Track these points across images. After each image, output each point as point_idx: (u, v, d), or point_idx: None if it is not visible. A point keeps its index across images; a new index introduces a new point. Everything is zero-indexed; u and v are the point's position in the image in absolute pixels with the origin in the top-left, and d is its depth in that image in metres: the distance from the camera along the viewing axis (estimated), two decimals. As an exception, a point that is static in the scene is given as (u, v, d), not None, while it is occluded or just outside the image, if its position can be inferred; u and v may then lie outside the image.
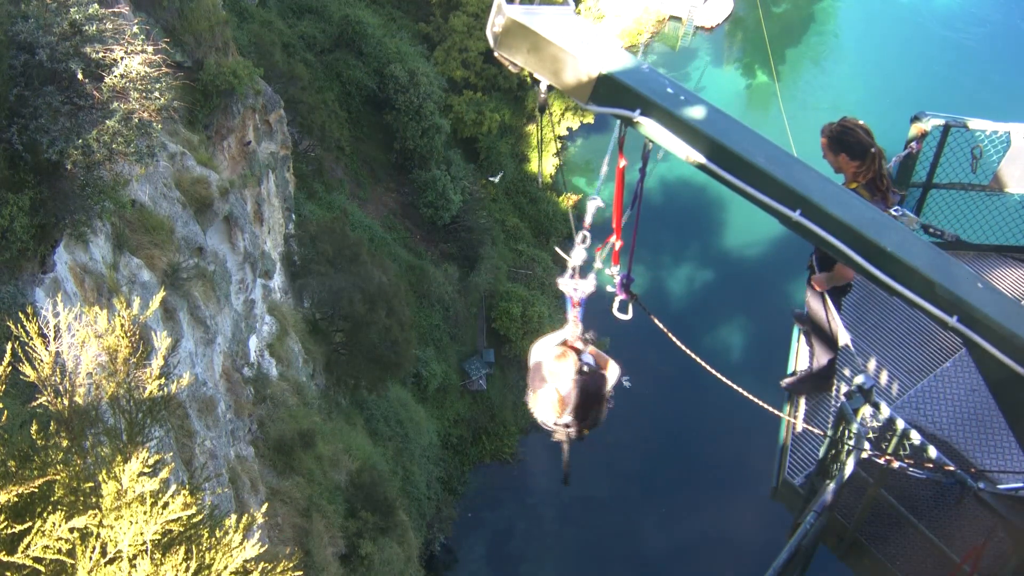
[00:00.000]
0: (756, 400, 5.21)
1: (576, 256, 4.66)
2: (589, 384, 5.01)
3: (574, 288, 4.88)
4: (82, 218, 5.14)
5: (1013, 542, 5.39)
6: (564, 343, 5.07)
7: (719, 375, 5.11)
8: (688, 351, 5.15)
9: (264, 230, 13.83)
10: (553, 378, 4.90)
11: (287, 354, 13.65)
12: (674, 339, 5.11)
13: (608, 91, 3.62)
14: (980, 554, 5.42)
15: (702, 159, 3.57)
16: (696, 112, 3.59)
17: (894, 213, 5.88)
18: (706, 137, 3.54)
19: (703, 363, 5.12)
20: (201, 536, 2.76)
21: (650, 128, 3.59)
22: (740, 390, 5.07)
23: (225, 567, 2.74)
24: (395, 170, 25.27)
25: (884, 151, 5.96)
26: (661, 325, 4.99)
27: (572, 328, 5.05)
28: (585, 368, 5.00)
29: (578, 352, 5.01)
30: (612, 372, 5.16)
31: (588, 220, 4.46)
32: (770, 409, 5.44)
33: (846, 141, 5.80)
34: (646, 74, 3.65)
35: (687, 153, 3.57)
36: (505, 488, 22.15)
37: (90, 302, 5.98)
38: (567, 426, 5.08)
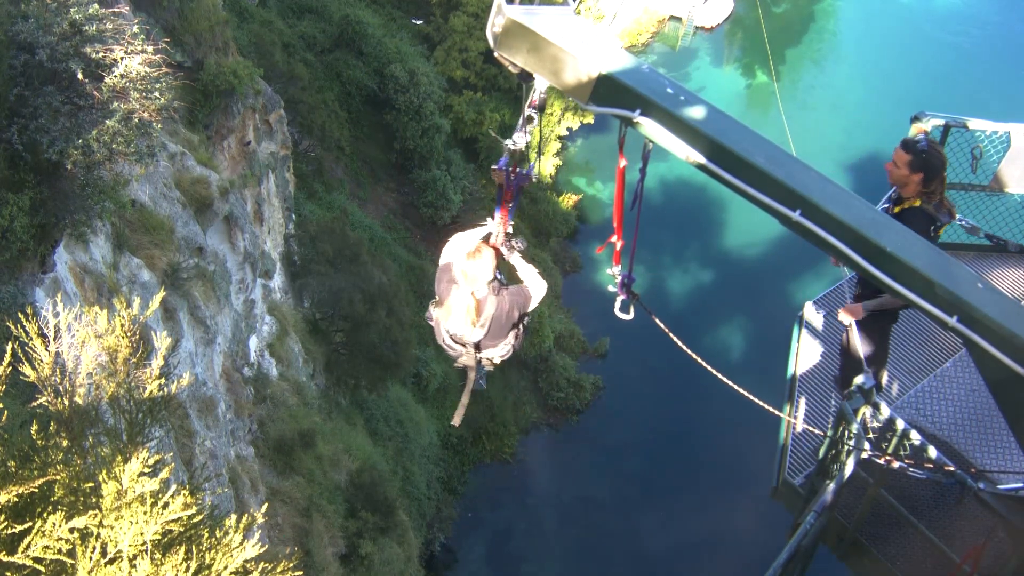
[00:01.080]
0: (756, 400, 5.19)
1: (518, 138, 4.08)
2: (510, 294, 4.34)
3: (509, 173, 4.15)
4: (82, 218, 5.13)
5: (1013, 542, 5.39)
6: (485, 242, 4.35)
7: (719, 375, 5.06)
8: (688, 351, 5.07)
9: (264, 230, 13.83)
10: (467, 279, 4.18)
11: (287, 354, 13.65)
12: (674, 338, 5.02)
13: (608, 91, 3.61)
14: (980, 554, 5.42)
15: (702, 159, 3.56)
16: (696, 112, 3.58)
17: (960, 222, 5.86)
18: (706, 137, 3.53)
19: (703, 363, 5.06)
20: (201, 536, 2.76)
21: (650, 128, 3.58)
22: (741, 390, 5.03)
23: (225, 567, 2.74)
24: (395, 170, 25.29)
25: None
26: (662, 324, 4.87)
27: (496, 226, 4.34)
28: (500, 276, 4.33)
29: (498, 255, 4.34)
30: (538, 288, 4.45)
31: (537, 97, 3.99)
32: (770, 409, 5.42)
33: (933, 164, 5.66)
34: (646, 74, 3.64)
35: (687, 153, 3.57)
36: (505, 488, 22.15)
37: (90, 302, 5.97)
38: (477, 346, 4.38)
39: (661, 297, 24.87)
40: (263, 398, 11.70)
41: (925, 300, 3.49)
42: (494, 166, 4.25)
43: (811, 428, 6.90)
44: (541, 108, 4.06)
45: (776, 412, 5.67)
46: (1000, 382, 3.67)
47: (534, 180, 4.33)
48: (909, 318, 7.78)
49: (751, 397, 5.13)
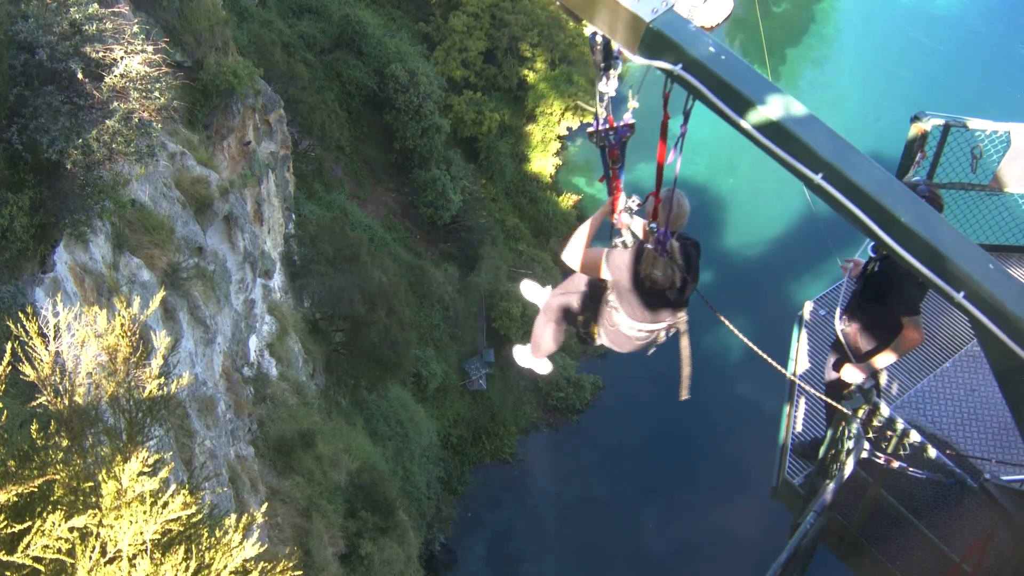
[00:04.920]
0: (768, 359, 5.19)
1: (603, 86, 4.16)
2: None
3: (608, 131, 4.25)
4: (82, 218, 5.13)
5: (1014, 540, 5.38)
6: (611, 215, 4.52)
7: (742, 336, 5.06)
8: (713, 308, 5.11)
9: (264, 230, 13.83)
10: (679, 223, 4.41)
11: (287, 354, 13.65)
12: (704, 298, 5.06)
13: (654, 43, 3.79)
14: (984, 549, 5.40)
15: (734, 116, 3.73)
16: (732, 71, 3.74)
17: None
18: (739, 95, 3.70)
19: (726, 322, 5.07)
20: (201, 536, 2.76)
21: (690, 83, 3.73)
22: (754, 347, 5.03)
23: (225, 567, 2.74)
24: (395, 170, 25.29)
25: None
26: (694, 284, 4.93)
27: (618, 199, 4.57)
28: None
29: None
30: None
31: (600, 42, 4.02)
32: (778, 368, 5.41)
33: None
34: (691, 31, 3.82)
35: (722, 109, 3.73)
36: (505, 488, 22.15)
37: (90, 302, 5.97)
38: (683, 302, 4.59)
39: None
40: (263, 398, 11.71)
41: (934, 273, 3.57)
42: (590, 129, 4.34)
43: (816, 393, 6.73)
44: (602, 63, 4.10)
45: (782, 370, 5.63)
46: (1007, 372, 3.69)
47: (632, 126, 4.37)
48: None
49: (764, 356, 5.13)
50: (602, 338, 4.79)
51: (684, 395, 4.88)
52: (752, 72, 3.79)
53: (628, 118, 4.39)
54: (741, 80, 3.72)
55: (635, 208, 4.63)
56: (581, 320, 4.79)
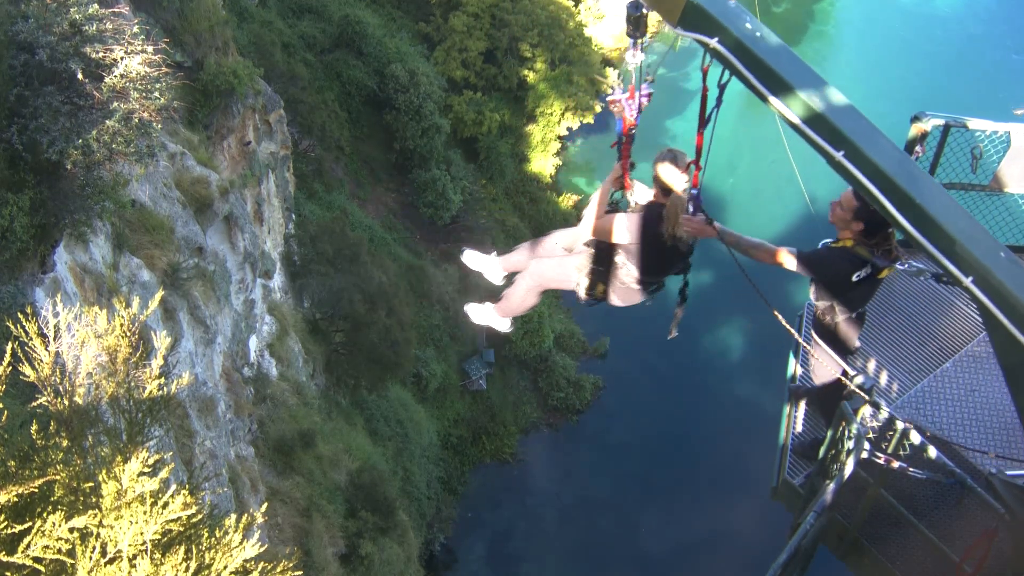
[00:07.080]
0: (781, 318, 5.23)
1: (631, 57, 4.37)
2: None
3: (627, 100, 4.47)
4: (82, 218, 5.13)
5: (1014, 540, 5.38)
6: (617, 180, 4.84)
7: (762, 294, 5.12)
8: (740, 265, 5.19)
9: (264, 230, 13.84)
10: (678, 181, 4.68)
11: (287, 354, 13.65)
12: (736, 258, 5.16)
13: (694, 16, 3.91)
14: (988, 547, 5.39)
15: (764, 91, 3.84)
16: (766, 48, 3.84)
17: (903, 267, 5.84)
18: (771, 71, 3.82)
19: (754, 285, 5.13)
20: (201, 536, 2.76)
21: (726, 56, 3.83)
22: (774, 311, 5.08)
23: (225, 567, 2.74)
24: (395, 170, 25.30)
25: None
26: (730, 250, 5.03)
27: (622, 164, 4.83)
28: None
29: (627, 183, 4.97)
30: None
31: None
32: (789, 328, 5.46)
33: (877, 219, 5.37)
34: (730, 7, 3.92)
35: (753, 83, 3.84)
36: (505, 488, 22.16)
37: (90, 302, 5.97)
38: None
39: (660, 297, 24.82)
40: (263, 398, 11.71)
41: (944, 255, 3.61)
42: (610, 96, 4.55)
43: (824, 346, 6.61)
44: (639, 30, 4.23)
45: (792, 331, 5.64)
46: (1015, 367, 3.70)
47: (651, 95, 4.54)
48: (909, 317, 7.79)
49: (781, 320, 5.16)
50: (609, 296, 5.08)
51: (673, 334, 5.19)
52: (785, 51, 3.88)
53: (646, 89, 4.54)
54: (774, 57, 3.84)
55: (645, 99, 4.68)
56: (586, 282, 5.04)
